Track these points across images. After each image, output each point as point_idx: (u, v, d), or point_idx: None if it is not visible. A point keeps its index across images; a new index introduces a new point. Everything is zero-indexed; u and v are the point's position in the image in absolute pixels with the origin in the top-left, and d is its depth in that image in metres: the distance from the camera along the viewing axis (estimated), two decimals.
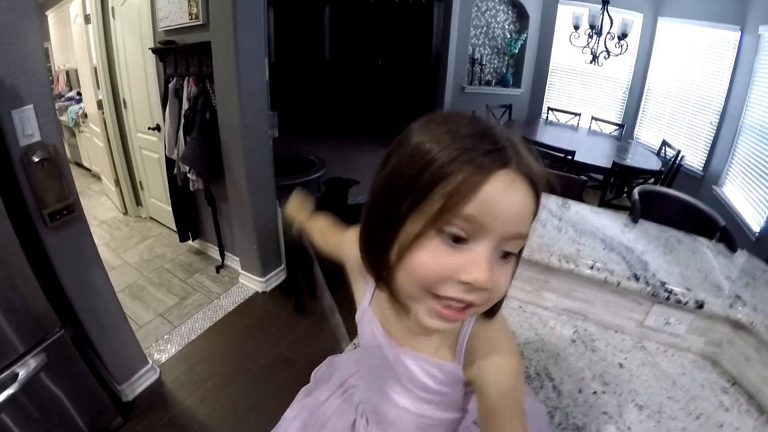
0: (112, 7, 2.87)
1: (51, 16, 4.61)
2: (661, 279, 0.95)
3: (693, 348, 0.97)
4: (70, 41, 3.73)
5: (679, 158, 3.67)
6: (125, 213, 3.60)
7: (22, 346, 1.28)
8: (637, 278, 0.95)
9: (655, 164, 3.61)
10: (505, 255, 0.40)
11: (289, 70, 2.92)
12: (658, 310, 0.96)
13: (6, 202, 1.19)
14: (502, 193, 0.37)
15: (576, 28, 3.95)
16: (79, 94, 4.38)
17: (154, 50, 2.56)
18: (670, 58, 4.58)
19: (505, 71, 5.33)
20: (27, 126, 1.28)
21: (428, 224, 0.37)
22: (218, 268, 2.83)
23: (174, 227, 3.03)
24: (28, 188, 1.31)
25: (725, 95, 3.91)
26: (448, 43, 4.78)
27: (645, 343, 1.00)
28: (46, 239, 1.42)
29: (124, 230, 3.38)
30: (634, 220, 1.31)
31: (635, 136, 5.09)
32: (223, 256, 2.84)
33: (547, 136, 4.31)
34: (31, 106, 1.28)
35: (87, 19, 3.01)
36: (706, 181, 4.10)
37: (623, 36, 3.52)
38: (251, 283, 2.66)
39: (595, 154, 3.68)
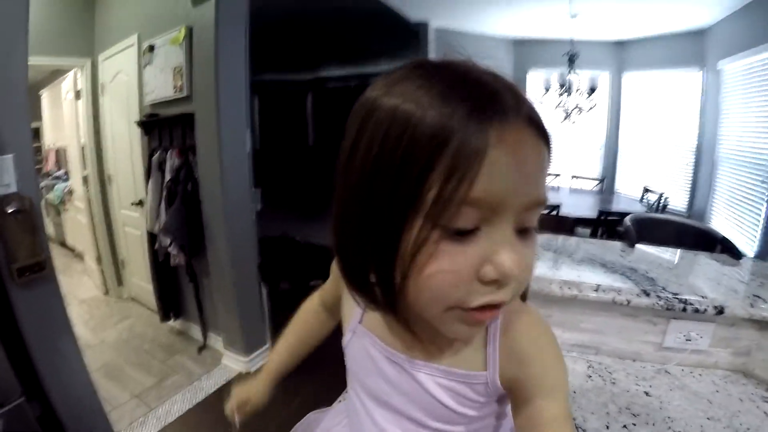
0: (102, 84, 2.97)
1: (45, 95, 4.78)
2: (673, 291, 0.88)
3: (720, 363, 0.88)
4: (61, 121, 3.81)
5: (662, 199, 3.72)
6: (106, 293, 3.44)
7: None
8: (647, 294, 0.88)
9: (640, 209, 3.65)
10: (523, 230, 0.32)
11: (274, 156, 2.98)
12: (675, 326, 0.87)
13: None
14: (510, 155, 0.28)
15: (547, 90, 4.17)
16: (66, 173, 4.41)
17: (140, 122, 2.60)
18: (639, 107, 4.81)
19: None
20: (5, 175, 1.21)
21: (427, 222, 0.29)
22: (200, 349, 2.64)
23: (155, 307, 2.88)
24: None
25: (697, 133, 4.06)
26: None
27: (668, 367, 0.90)
28: (14, 295, 1.31)
29: (103, 310, 3.21)
30: (631, 245, 1.26)
31: (616, 188, 5.20)
32: (205, 336, 2.66)
33: None
34: (11, 156, 1.22)
35: (78, 95, 3.09)
36: (692, 220, 4.12)
37: (592, 90, 3.71)
38: (234, 364, 2.47)
39: (579, 207, 3.72)
